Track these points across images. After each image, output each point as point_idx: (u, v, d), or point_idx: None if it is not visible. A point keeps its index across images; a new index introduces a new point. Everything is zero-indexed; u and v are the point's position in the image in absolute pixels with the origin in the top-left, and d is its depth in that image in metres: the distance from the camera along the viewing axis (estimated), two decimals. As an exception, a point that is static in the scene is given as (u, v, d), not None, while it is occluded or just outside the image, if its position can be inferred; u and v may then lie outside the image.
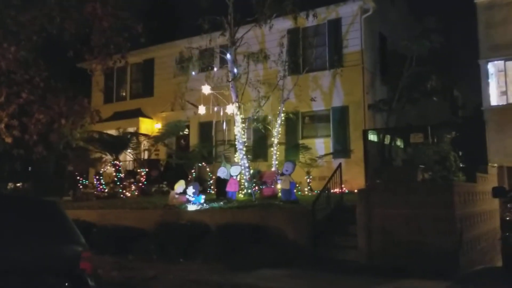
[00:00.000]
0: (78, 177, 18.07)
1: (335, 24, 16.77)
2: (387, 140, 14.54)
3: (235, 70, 14.57)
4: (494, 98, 12.76)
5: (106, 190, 17.19)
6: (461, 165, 10.66)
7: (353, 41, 16.27)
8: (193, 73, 15.58)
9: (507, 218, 7.40)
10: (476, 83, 13.38)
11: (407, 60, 15.80)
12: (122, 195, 16.55)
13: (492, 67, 12.86)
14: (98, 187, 17.33)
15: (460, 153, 10.96)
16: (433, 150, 10.63)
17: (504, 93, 12.83)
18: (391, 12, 17.76)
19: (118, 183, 17.10)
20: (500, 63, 12.85)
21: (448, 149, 10.59)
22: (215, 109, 14.85)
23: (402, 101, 16.14)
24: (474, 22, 13.24)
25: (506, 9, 12.77)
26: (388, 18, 17.55)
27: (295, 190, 13.17)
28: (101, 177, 17.65)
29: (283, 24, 16.14)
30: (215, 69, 16.62)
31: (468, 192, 10.00)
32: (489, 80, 12.73)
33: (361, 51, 16.09)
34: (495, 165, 12.25)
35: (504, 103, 12.77)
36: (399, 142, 14.54)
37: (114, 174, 17.61)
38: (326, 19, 16.78)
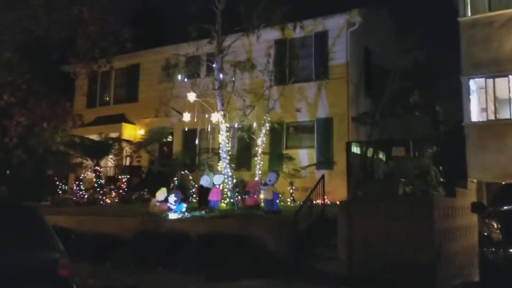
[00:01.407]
0: (57, 182, 17.82)
1: (322, 37, 16.99)
2: (369, 152, 14.71)
3: (222, 78, 14.62)
4: (475, 114, 13.03)
5: (86, 196, 16.97)
6: (441, 180, 10.86)
7: (339, 54, 16.50)
8: (179, 77, 15.57)
9: (485, 234, 7.56)
10: (457, 99, 13.66)
11: (391, 74, 16.09)
12: (102, 202, 16.36)
13: (474, 84, 13.15)
14: (78, 193, 17.10)
15: (441, 168, 11.17)
16: (414, 164, 10.83)
17: (485, 110, 13.12)
18: (376, 27, 18.06)
19: (98, 190, 16.90)
20: (481, 81, 13.14)
21: (429, 164, 10.79)
22: (201, 116, 14.85)
23: (385, 115, 16.38)
24: (457, 40, 13.55)
25: (488, 28, 13.10)
26: (374, 32, 17.85)
27: (277, 201, 13.22)
28: (81, 183, 17.43)
29: (271, 34, 16.28)
30: (202, 76, 16.64)
31: (447, 206, 10.18)
32: (470, 97, 13.00)
33: (347, 64, 16.32)
34: (475, 180, 12.49)
35: (484, 119, 13.05)
36: (381, 155, 14.72)
37: (94, 180, 17.40)
38: (313, 31, 17.00)
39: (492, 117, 13.01)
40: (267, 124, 15.44)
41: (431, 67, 17.42)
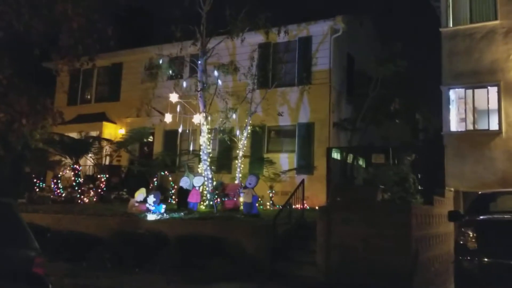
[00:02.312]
0: (35, 180, 17.46)
1: (306, 42, 17.02)
2: (349, 159, 14.78)
3: (205, 80, 14.51)
4: (454, 124, 13.15)
5: (63, 195, 16.67)
6: (419, 188, 10.93)
7: (322, 60, 16.54)
8: (162, 77, 15.38)
9: (461, 242, 7.57)
10: (437, 108, 13.80)
11: (372, 81, 16.20)
12: (79, 201, 16.09)
13: (453, 94, 13.28)
14: (55, 191, 16.79)
15: (419, 176, 11.25)
16: (393, 171, 10.89)
17: (463, 120, 13.25)
18: (359, 34, 18.20)
19: (76, 188, 16.61)
20: (461, 91, 13.28)
21: (408, 171, 10.86)
22: (183, 118, 14.70)
23: (366, 121, 16.49)
24: (439, 50, 13.69)
25: (469, 39, 13.25)
26: (357, 40, 17.97)
27: (257, 204, 13.15)
28: (59, 181, 17.12)
29: (255, 38, 16.25)
30: (185, 77, 16.47)
31: (425, 214, 10.24)
32: (450, 107, 13.12)
33: (329, 70, 16.38)
34: (452, 189, 12.60)
35: (463, 129, 13.18)
36: (361, 162, 14.80)
37: (73, 178, 17.10)
38: (297, 36, 17.03)
39: (470, 127, 13.15)
40: (249, 127, 15.39)
41: (412, 75, 17.62)
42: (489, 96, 12.72)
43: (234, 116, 15.28)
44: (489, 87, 12.74)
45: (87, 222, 12.46)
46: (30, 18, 13.04)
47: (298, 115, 16.65)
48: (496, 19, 12.98)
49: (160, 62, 15.43)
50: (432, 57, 14.25)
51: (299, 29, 16.88)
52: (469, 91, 13.12)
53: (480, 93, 12.96)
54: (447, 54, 13.40)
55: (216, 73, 15.08)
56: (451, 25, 13.69)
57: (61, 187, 16.98)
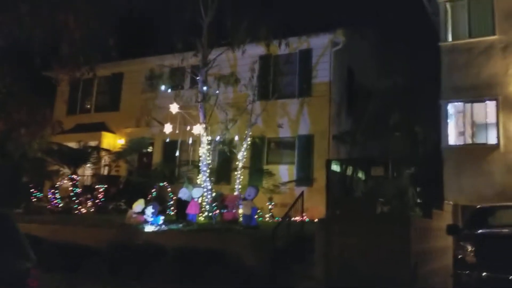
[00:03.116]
0: (32, 190, 17.44)
1: (306, 55, 17.17)
2: (349, 171, 14.80)
3: (205, 91, 14.61)
4: (453, 138, 13.25)
5: (61, 205, 16.57)
6: (418, 201, 10.99)
7: (322, 72, 16.68)
8: (163, 88, 15.47)
9: (460, 256, 7.62)
10: (436, 121, 13.89)
11: (372, 94, 16.32)
12: (77, 211, 16.03)
13: (452, 108, 13.41)
14: (53, 201, 16.71)
15: (418, 189, 11.31)
16: (392, 184, 10.95)
17: (462, 133, 13.35)
18: (360, 48, 18.35)
19: (74, 198, 16.55)
20: (460, 105, 13.41)
21: (407, 184, 10.93)
22: (182, 128, 14.77)
23: (366, 134, 16.55)
24: (438, 64, 13.84)
25: (467, 53, 13.42)
26: (357, 53, 18.12)
27: (256, 216, 13.16)
28: (56, 191, 17.05)
29: (256, 50, 16.39)
30: (185, 88, 16.60)
31: (424, 227, 10.30)
32: (449, 120, 13.24)
33: (329, 82, 16.51)
34: (451, 202, 12.66)
35: (462, 143, 13.28)
36: (360, 174, 14.83)
37: (71, 188, 17.03)
38: (297, 48, 17.18)
39: (469, 141, 13.25)
40: (249, 139, 15.44)
41: (411, 88, 17.75)
42: (487, 110, 12.86)
43: (234, 127, 15.34)
44: (487, 101, 12.88)
45: (84, 233, 12.42)
46: (31, 27, 13.18)
47: (298, 127, 16.74)
48: (494, 34, 13.17)
49: (161, 72, 15.55)
50: (432, 70, 14.37)
51: (299, 41, 17.04)
52: (468, 105, 13.25)
53: (478, 107, 13.10)
54: (446, 68, 13.56)
55: (216, 84, 15.18)
56: (450, 40, 13.88)
57: (58, 197, 16.90)
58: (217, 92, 15.15)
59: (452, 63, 13.53)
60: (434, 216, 11.14)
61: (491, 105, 12.81)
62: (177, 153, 15.83)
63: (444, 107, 13.34)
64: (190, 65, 15.95)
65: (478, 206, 9.60)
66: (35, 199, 17.32)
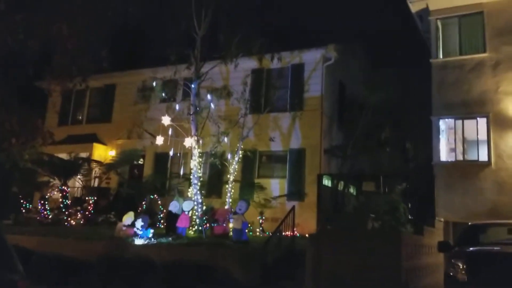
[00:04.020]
0: (22, 200, 17.18)
1: (298, 69, 17.19)
2: (340, 186, 14.76)
3: (198, 104, 14.54)
4: (444, 154, 13.24)
5: (50, 216, 16.35)
6: (409, 217, 10.91)
7: (314, 87, 16.69)
8: (155, 99, 15.38)
9: (451, 274, 7.54)
10: (427, 137, 13.90)
11: (363, 109, 16.33)
12: (66, 223, 15.81)
13: (443, 124, 13.42)
14: (42, 212, 16.49)
15: (409, 205, 11.24)
16: (384, 200, 10.87)
17: (453, 150, 13.34)
18: (351, 62, 18.43)
19: (63, 210, 16.34)
20: (451, 121, 13.43)
21: (398, 200, 10.85)
22: (174, 141, 14.65)
23: (357, 149, 16.54)
24: (429, 80, 13.89)
25: (458, 70, 13.48)
26: (348, 67, 18.19)
27: (246, 230, 13.01)
28: (46, 202, 16.83)
29: (248, 63, 16.39)
30: (177, 101, 16.52)
31: (415, 244, 10.20)
32: (440, 137, 13.24)
33: (321, 96, 16.50)
34: (442, 219, 12.61)
35: (453, 159, 13.26)
36: (352, 189, 14.79)
37: (61, 200, 16.84)
38: (290, 63, 17.20)
39: (460, 157, 13.24)
40: (240, 152, 15.36)
41: (403, 104, 17.81)
42: (478, 127, 12.87)
43: (225, 140, 15.27)
44: (478, 118, 12.90)
45: (73, 246, 12.22)
46: (25, 37, 13.05)
47: (290, 140, 16.68)
48: (485, 51, 13.26)
49: (154, 84, 15.47)
50: (423, 86, 14.44)
51: (292, 56, 17.06)
52: (459, 122, 13.27)
53: (469, 124, 13.11)
54: (437, 85, 13.61)
55: (209, 97, 15.12)
56: (441, 57, 13.96)
57: (48, 208, 16.68)
58: (210, 104, 15.08)
59: (443, 80, 13.59)
60: (425, 232, 11.06)
61: (482, 122, 12.83)
62: (168, 166, 15.70)
63: (435, 123, 13.35)
64: (183, 77, 15.87)
65: (469, 224, 9.54)
66: (24, 210, 17.07)
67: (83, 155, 18.96)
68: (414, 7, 14.51)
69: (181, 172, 16.00)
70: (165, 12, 15.38)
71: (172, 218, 13.44)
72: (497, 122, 12.57)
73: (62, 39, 13.22)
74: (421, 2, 14.27)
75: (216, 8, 14.25)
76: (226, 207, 14.62)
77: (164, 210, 15.01)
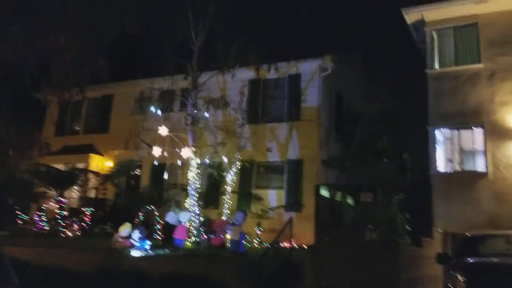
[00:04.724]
0: (18, 212, 17.03)
1: (295, 79, 17.16)
2: (338, 196, 14.67)
3: (195, 114, 14.48)
4: (441, 164, 13.19)
5: (47, 228, 16.23)
6: (407, 228, 10.84)
7: (311, 97, 16.65)
8: (152, 110, 15.31)
9: (450, 285, 7.45)
10: (424, 147, 13.87)
11: (360, 119, 16.29)
12: (63, 234, 15.67)
13: (440, 135, 13.39)
14: (38, 223, 16.34)
15: (407, 216, 11.16)
16: (381, 211, 10.81)
17: (450, 160, 13.28)
18: (348, 73, 18.43)
19: (60, 221, 16.20)
20: (447, 131, 13.41)
21: (396, 211, 10.79)
22: (171, 151, 14.55)
23: (354, 160, 16.45)
24: (426, 90, 13.88)
25: (454, 81, 13.49)
26: (345, 78, 18.19)
27: (244, 242, 12.90)
28: (42, 213, 16.69)
29: (246, 74, 16.39)
30: (175, 111, 16.48)
31: (413, 255, 10.13)
32: (437, 147, 13.21)
33: (318, 107, 16.46)
34: (440, 230, 12.51)
35: (450, 170, 13.20)
36: (349, 200, 14.70)
37: (57, 211, 16.70)
38: (287, 73, 17.16)
39: (457, 168, 13.19)
40: (238, 163, 15.28)
41: (399, 114, 17.81)
42: (475, 137, 12.87)
43: (223, 150, 15.18)
44: (474, 128, 12.90)
45: (69, 257, 12.07)
46: (23, 48, 13.00)
47: (287, 151, 16.61)
48: (480, 62, 13.30)
49: (151, 95, 15.42)
50: (420, 97, 14.47)
51: (288, 66, 17.04)
52: (455, 132, 13.26)
53: (466, 134, 13.11)
54: (433, 95, 13.61)
55: (206, 107, 15.06)
56: (436, 67, 13.98)
57: (44, 220, 16.56)
58: (207, 115, 15.02)
59: (439, 90, 13.59)
60: (423, 244, 10.98)
61: (478, 132, 12.83)
62: (165, 176, 15.59)
63: (431, 134, 13.32)
64: (180, 88, 15.87)
65: (468, 235, 9.45)
66: (20, 222, 16.91)
67: (80, 165, 18.84)
68: (409, 18, 14.55)
69: (178, 183, 15.89)
70: (162, 23, 15.38)
71: (169, 229, 13.36)
72: (493, 132, 12.55)
73: (60, 50, 13.18)
74: (416, 14, 14.31)
75: (214, 19, 14.25)
76: (224, 218, 14.50)
77: (161, 221, 14.88)
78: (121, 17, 13.44)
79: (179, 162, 14.73)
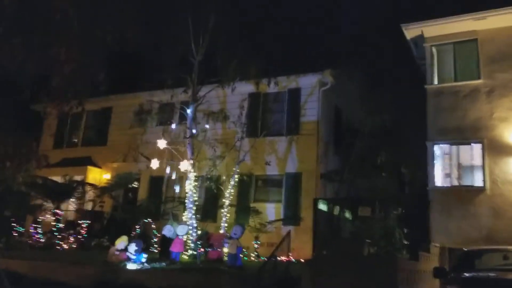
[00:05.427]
0: (14, 224, 17.11)
1: (295, 93, 17.40)
2: (336, 210, 14.78)
3: (194, 127, 14.66)
4: (439, 179, 13.33)
5: (43, 240, 16.28)
6: (405, 242, 10.95)
7: (311, 111, 16.87)
8: (152, 123, 15.50)
9: (447, 300, 7.55)
10: (423, 162, 14.01)
11: (359, 133, 16.48)
12: (59, 247, 15.71)
13: (438, 150, 13.55)
14: (34, 236, 16.41)
15: (405, 230, 11.28)
16: (379, 225, 10.92)
17: (448, 175, 13.44)
18: (347, 87, 18.63)
19: (56, 234, 16.27)
20: (446, 147, 13.56)
21: (394, 225, 10.91)
22: (169, 164, 14.69)
23: (353, 173, 16.61)
24: (424, 105, 14.07)
25: (453, 97, 13.68)
26: (345, 92, 18.40)
27: (241, 255, 12.98)
28: (38, 226, 16.76)
29: (245, 87, 16.63)
30: (174, 124, 16.70)
31: (411, 270, 10.22)
32: (435, 162, 13.34)
33: (317, 121, 16.67)
34: (438, 245, 12.61)
35: (448, 185, 13.34)
36: (347, 214, 14.82)
37: (53, 223, 16.78)
38: (286, 87, 17.40)
39: (455, 182, 13.33)
40: (236, 176, 15.42)
41: (398, 129, 18.00)
42: (473, 153, 13.01)
43: (221, 164, 15.33)
44: (473, 144, 13.05)
45: (65, 270, 12.12)
46: (23, 60, 13.24)
47: (286, 165, 16.77)
48: (479, 78, 13.49)
49: (150, 108, 15.62)
50: (419, 112, 14.67)
51: (288, 80, 17.29)
52: (454, 147, 13.40)
53: (464, 149, 13.25)
54: (432, 111, 13.79)
55: (205, 120, 15.26)
56: (436, 83, 14.18)
57: (40, 232, 16.62)
58: (206, 128, 15.21)
59: (438, 106, 13.78)
60: (421, 258, 11.08)
61: (477, 148, 12.98)
62: (163, 189, 15.74)
63: (430, 149, 13.48)
64: (180, 101, 16.08)
65: (465, 249, 9.56)
66: (16, 234, 16.98)
67: (78, 178, 18.97)
68: (409, 34, 14.81)
69: (176, 196, 16.01)
70: (163, 36, 15.66)
71: (166, 242, 13.41)
72: (492, 148, 12.71)
73: (60, 63, 13.42)
74: (416, 29, 14.56)
75: (214, 33, 14.53)
76: (221, 231, 14.59)
77: (158, 234, 14.96)
78: (121, 31, 13.72)
79: (177, 175, 14.86)
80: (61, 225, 16.76)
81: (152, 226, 15.99)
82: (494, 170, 12.54)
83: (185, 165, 14.34)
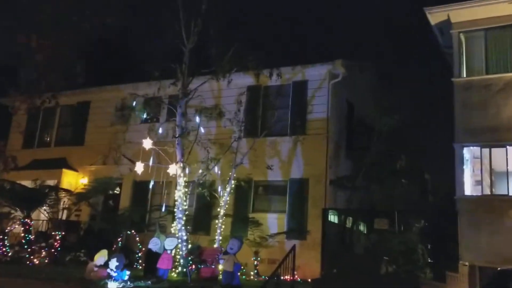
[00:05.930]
0: (-25, 235, 16.98)
1: (301, 87, 17.26)
2: (349, 222, 14.68)
3: (184, 125, 14.54)
4: (468, 187, 13.18)
5: (10, 254, 16.19)
6: (429, 260, 10.81)
7: (319, 107, 16.73)
8: (135, 120, 15.35)
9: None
10: (449, 167, 13.88)
11: (374, 133, 16.32)
12: (28, 262, 15.65)
13: (468, 153, 13.41)
14: (1, 249, 16.30)
15: (429, 246, 11.15)
16: (399, 239, 10.79)
17: (479, 182, 13.28)
18: (360, 81, 18.55)
19: (25, 247, 16.17)
20: (476, 149, 13.42)
21: (416, 241, 10.80)
22: (156, 167, 14.57)
23: (368, 179, 16.47)
24: (451, 102, 13.92)
25: (484, 91, 13.54)
26: (357, 86, 18.30)
27: (239, 273, 12.87)
28: (5, 237, 16.66)
29: (244, 79, 16.52)
30: (161, 121, 16.57)
31: (436, 292, 10.07)
32: (464, 167, 13.20)
33: (327, 119, 16.51)
34: (467, 263, 12.44)
35: (479, 194, 13.17)
36: (362, 226, 14.72)
37: (23, 235, 16.68)
38: (291, 80, 17.29)
39: (487, 191, 13.20)
40: (233, 181, 15.33)
41: (420, 128, 17.88)
42: (508, 157, 12.86)
43: (216, 167, 15.21)
44: (508, 147, 12.91)
45: (35, 289, 12.03)
46: (-13, 47, 13.11)
47: (290, 169, 16.64)
48: (515, 70, 13.36)
49: (134, 103, 15.49)
50: (445, 109, 14.52)
51: (293, 72, 17.16)
52: (486, 150, 13.26)
53: (498, 152, 13.12)
54: (460, 108, 13.66)
55: (197, 117, 15.14)
56: (464, 75, 14.06)
57: (7, 244, 16.53)
58: (198, 126, 15.08)
59: (467, 102, 13.64)
60: (448, 279, 10.94)
61: (512, 151, 12.83)
62: (149, 196, 15.65)
63: (458, 152, 13.33)
64: (168, 95, 15.98)
65: (499, 269, 9.42)
66: (-22, 247, 16.83)
67: (50, 182, 18.88)
68: (433, 19, 14.67)
69: (164, 204, 15.91)
70: (148, 22, 15.52)
71: (152, 257, 13.37)
72: (531, 151, 12.56)
73: (31, 50, 13.26)
74: (441, 13, 14.44)
75: (208, 17, 14.38)
76: (216, 245, 14.53)
77: (143, 248, 14.86)
78: (102, 15, 13.56)
79: (165, 181, 14.74)
80: (31, 237, 16.65)
81: (136, 238, 15.93)
82: (532, 177, 12.39)
83: (173, 169, 14.23)
